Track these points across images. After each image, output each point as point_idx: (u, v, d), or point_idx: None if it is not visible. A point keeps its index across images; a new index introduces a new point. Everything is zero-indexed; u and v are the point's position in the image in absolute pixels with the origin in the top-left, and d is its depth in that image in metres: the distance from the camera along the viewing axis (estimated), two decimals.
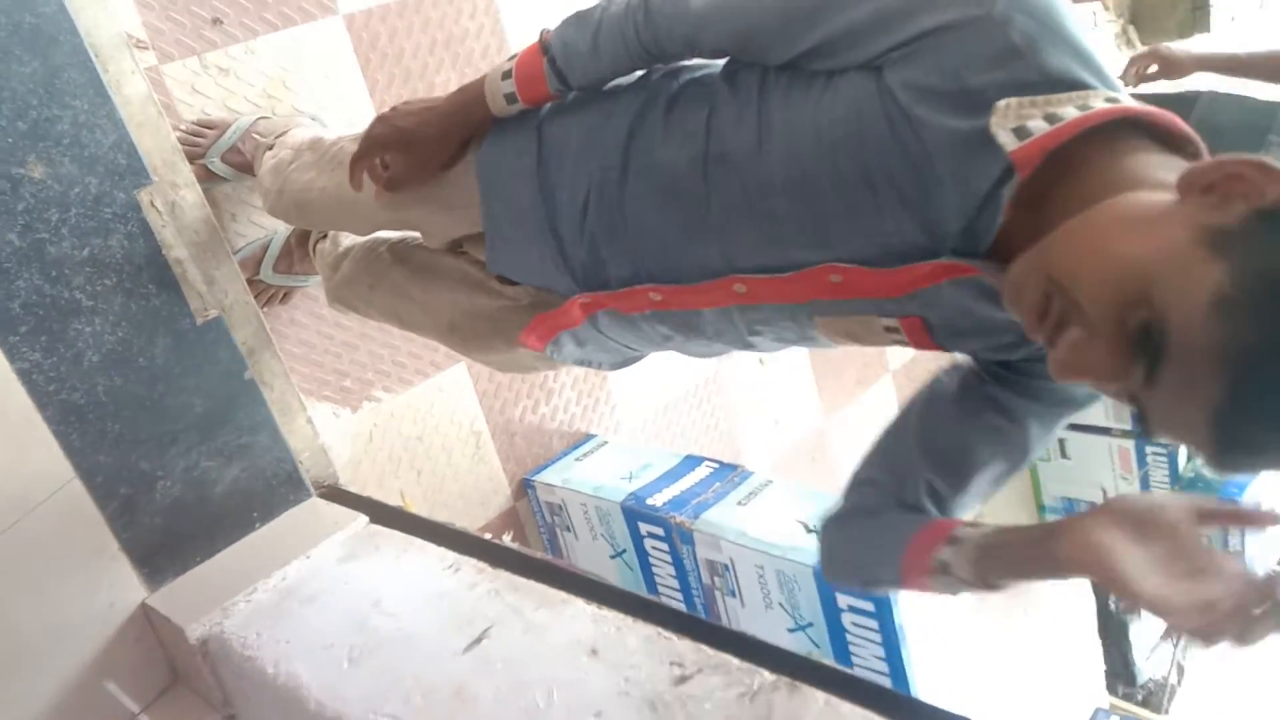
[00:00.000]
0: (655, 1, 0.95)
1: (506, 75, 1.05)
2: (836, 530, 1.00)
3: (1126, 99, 0.76)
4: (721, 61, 0.98)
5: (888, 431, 0.99)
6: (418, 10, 2.00)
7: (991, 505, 2.05)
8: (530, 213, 1.07)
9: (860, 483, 0.99)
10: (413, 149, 1.13)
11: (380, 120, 1.14)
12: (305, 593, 1.32)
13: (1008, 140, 0.75)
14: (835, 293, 0.89)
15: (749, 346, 1.05)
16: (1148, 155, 0.74)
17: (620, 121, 1.00)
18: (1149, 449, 3.28)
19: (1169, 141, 0.75)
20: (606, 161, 0.99)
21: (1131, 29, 4.39)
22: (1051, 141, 0.74)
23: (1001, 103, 0.76)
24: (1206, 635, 0.65)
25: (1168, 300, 0.62)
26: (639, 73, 1.03)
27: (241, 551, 1.46)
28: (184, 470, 1.40)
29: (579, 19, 1.01)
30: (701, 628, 1.04)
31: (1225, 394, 0.61)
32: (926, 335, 0.90)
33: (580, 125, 1.03)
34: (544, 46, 1.02)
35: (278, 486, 1.54)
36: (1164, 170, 0.72)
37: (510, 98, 1.06)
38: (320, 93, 1.84)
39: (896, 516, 0.93)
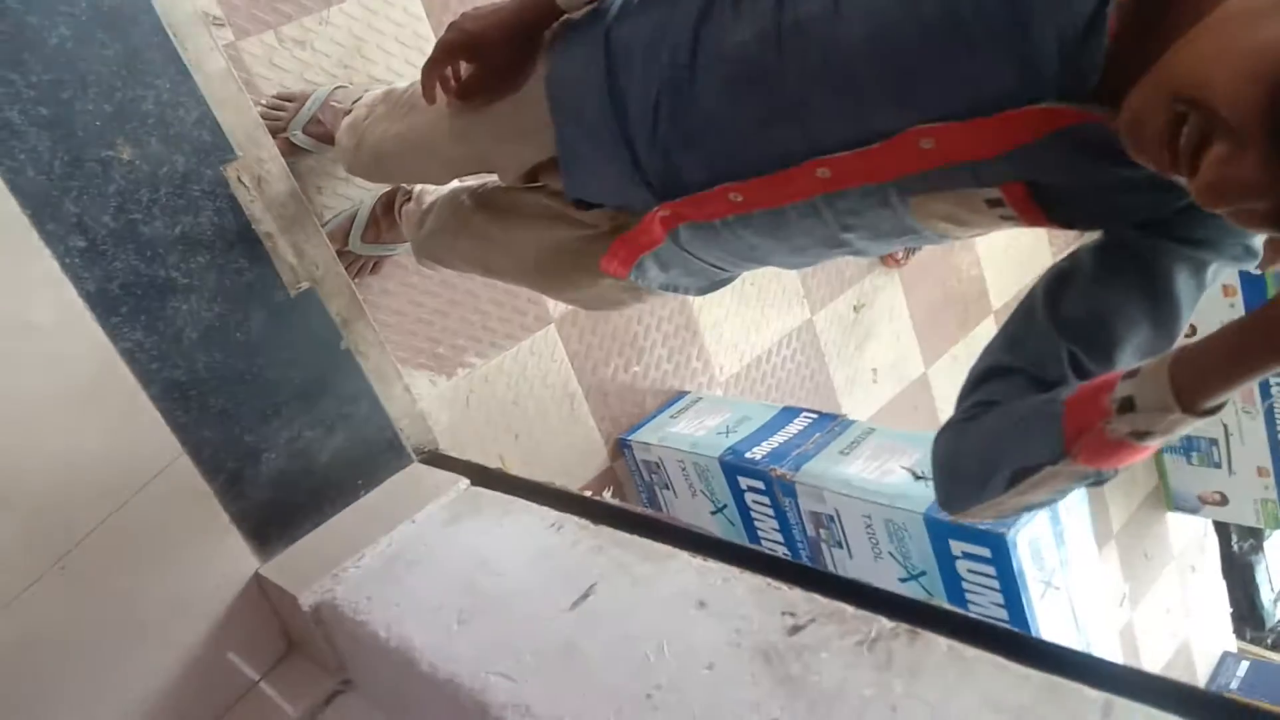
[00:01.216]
0: None
1: None
2: (955, 434, 0.88)
3: None
4: None
5: (1010, 318, 0.89)
6: None
7: None
8: (602, 125, 1.03)
9: (983, 374, 0.88)
10: (482, 51, 1.11)
11: (450, 26, 1.12)
12: (411, 556, 1.33)
13: None
14: (927, 161, 0.82)
15: (843, 244, 0.99)
16: None
17: (686, 12, 0.95)
18: (1273, 381, 3.12)
19: None
20: (676, 57, 0.95)
21: None
22: None
23: None
24: None
25: None
26: None
27: (348, 519, 1.47)
28: (287, 441, 1.42)
29: None
30: (813, 576, 1.01)
31: None
32: (1035, 204, 0.82)
33: (648, 25, 0.99)
34: None
35: (379, 454, 1.55)
36: None
37: None
38: (395, 60, 1.84)
39: (1039, 396, 0.82)
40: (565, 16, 1.10)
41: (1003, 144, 0.78)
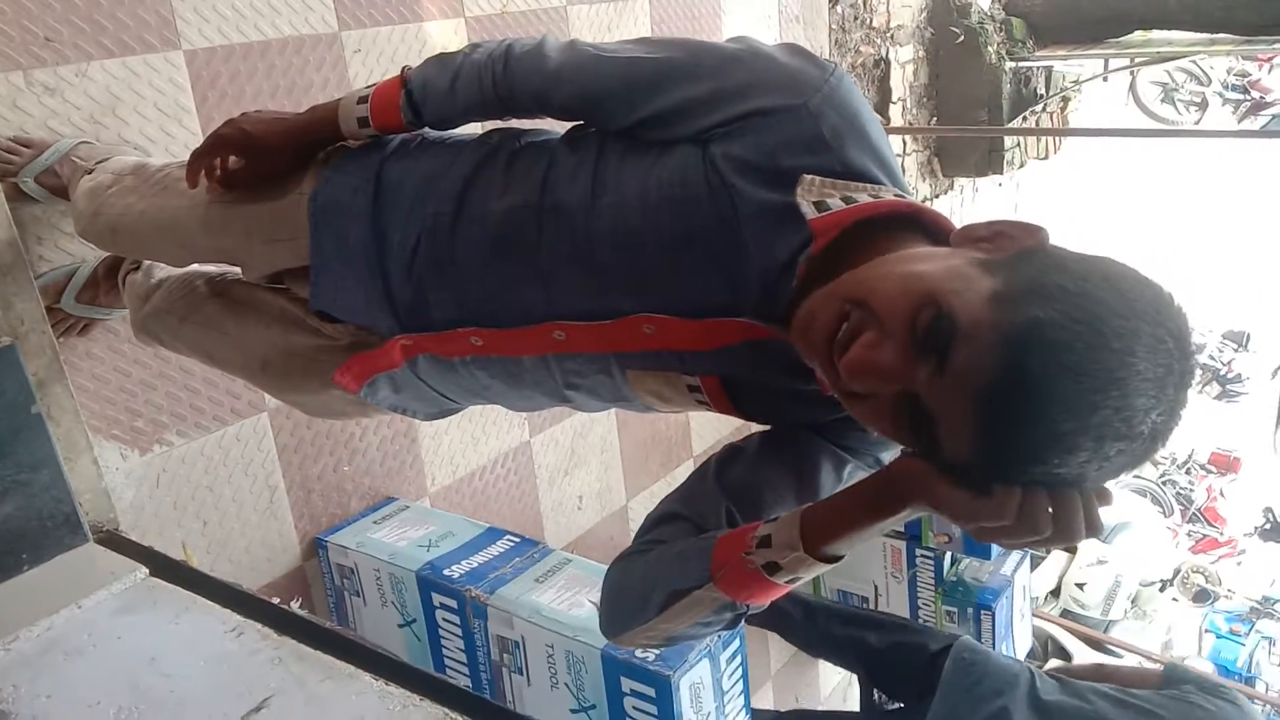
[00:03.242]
0: (515, 55, 1.02)
1: (363, 100, 1.09)
2: (625, 565, 0.99)
3: (909, 197, 0.88)
4: (563, 129, 1.05)
5: (688, 479, 1.03)
6: (263, 55, 1.98)
7: None
8: (360, 250, 1.09)
9: (658, 519, 1.00)
10: (256, 155, 1.15)
11: (229, 123, 1.15)
12: (72, 645, 1.24)
13: (809, 210, 0.86)
14: (647, 343, 0.95)
15: (566, 400, 1.09)
16: (922, 242, 0.85)
17: (460, 171, 1.04)
18: (918, 551, 3.53)
19: (938, 237, 0.86)
20: (441, 207, 1.03)
21: (936, 161, 4.81)
22: (846, 218, 0.85)
23: (807, 178, 0.87)
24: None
25: (954, 301, 0.72)
26: (483, 130, 1.09)
27: (4, 595, 1.35)
28: None
29: (441, 61, 1.07)
30: (490, 711, 1.06)
31: (1002, 365, 0.69)
32: (726, 397, 0.98)
33: (420, 171, 1.07)
34: (404, 80, 1.07)
35: (53, 529, 1.45)
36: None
37: (363, 121, 1.09)
38: (150, 126, 1.79)
39: (701, 536, 0.94)
40: (342, 143, 1.15)
41: (709, 343, 0.93)
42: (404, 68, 1.09)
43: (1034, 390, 0.68)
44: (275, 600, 1.42)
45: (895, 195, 0.88)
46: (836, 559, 0.83)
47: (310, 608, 2.25)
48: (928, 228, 0.87)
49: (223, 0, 1.88)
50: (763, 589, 0.86)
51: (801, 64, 0.91)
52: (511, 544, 2.15)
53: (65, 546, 1.47)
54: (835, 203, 0.86)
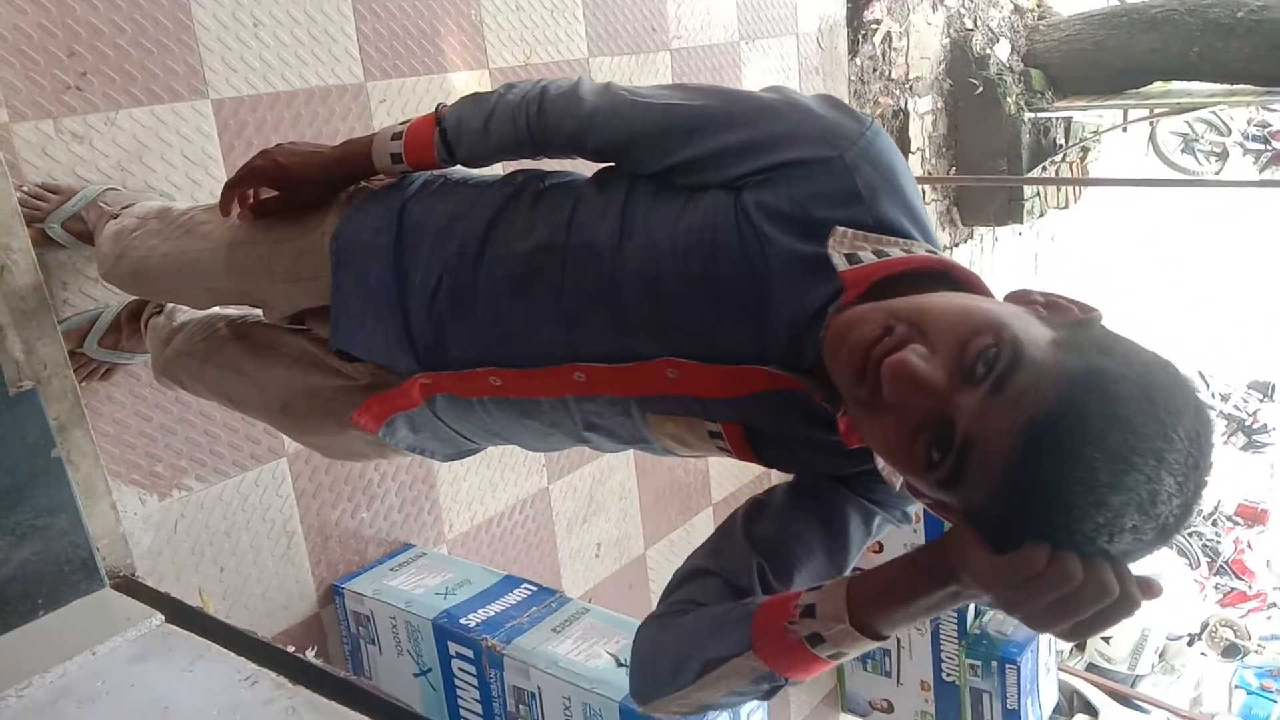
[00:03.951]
0: (550, 97, 1.02)
1: (396, 136, 1.10)
2: (658, 628, 0.95)
3: (942, 253, 0.87)
4: (590, 170, 1.05)
5: (714, 533, 1.00)
6: (289, 105, 2.01)
7: None
8: (381, 289, 1.09)
9: (686, 575, 0.97)
10: (288, 187, 1.16)
11: (264, 153, 1.17)
12: (85, 692, 1.23)
13: (840, 262, 0.85)
14: (669, 388, 0.94)
15: (584, 441, 1.08)
16: None
17: (483, 211, 1.04)
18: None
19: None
20: (464, 247, 1.03)
21: (955, 210, 4.82)
22: (878, 271, 0.84)
23: (839, 229, 0.86)
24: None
25: (1018, 334, 0.71)
26: (508, 171, 1.09)
27: (19, 641, 1.35)
28: None
29: (476, 99, 1.07)
30: None
31: (1058, 399, 0.67)
32: (747, 444, 0.96)
33: (443, 211, 1.07)
34: (439, 118, 1.08)
35: (70, 573, 1.44)
36: None
37: (396, 157, 1.10)
38: (176, 174, 1.82)
39: (733, 601, 0.90)
40: (364, 183, 1.16)
41: (732, 390, 0.92)
42: (439, 105, 1.09)
43: (1084, 430, 0.66)
44: (290, 648, 1.41)
45: (928, 251, 0.87)
46: (882, 636, 0.80)
47: (325, 656, 2.23)
48: (959, 285, 0.85)
49: (251, 51, 1.92)
50: (805, 662, 0.83)
51: (838, 116, 0.91)
52: (529, 592, 2.12)
53: (81, 591, 1.47)
54: (867, 256, 0.85)
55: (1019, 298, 0.80)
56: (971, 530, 0.74)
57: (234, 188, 1.19)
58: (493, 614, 2.03)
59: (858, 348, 0.76)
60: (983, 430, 0.70)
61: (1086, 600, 0.69)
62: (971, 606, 3.43)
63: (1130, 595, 0.69)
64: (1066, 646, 5.94)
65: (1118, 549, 0.69)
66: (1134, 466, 0.66)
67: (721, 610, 0.90)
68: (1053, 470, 0.67)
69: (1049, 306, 0.79)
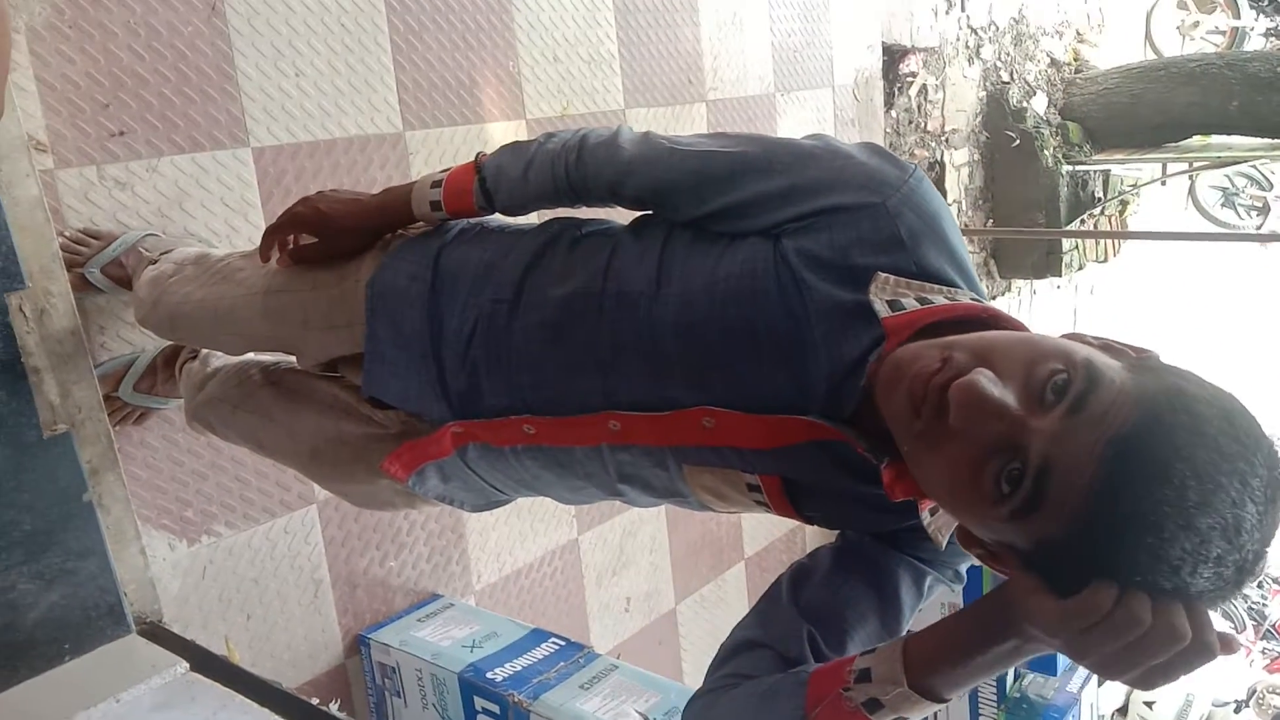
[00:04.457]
0: (589, 145, 1.02)
1: (436, 184, 1.10)
2: (706, 704, 0.90)
3: (986, 302, 0.84)
4: (626, 219, 1.04)
5: (759, 601, 0.96)
6: (329, 153, 2.03)
7: None
8: (414, 337, 1.08)
9: (734, 649, 0.93)
10: (328, 234, 1.16)
11: (305, 201, 1.17)
12: None
13: (882, 309, 0.83)
14: (706, 438, 0.91)
15: (618, 494, 1.05)
16: None
17: (519, 258, 1.04)
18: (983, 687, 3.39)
19: None
20: (499, 294, 1.02)
21: (993, 262, 4.79)
22: (921, 318, 0.81)
23: (881, 275, 0.84)
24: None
25: (1088, 360, 0.69)
26: (545, 219, 1.08)
27: (44, 686, 1.34)
28: None
29: (515, 148, 1.08)
30: None
31: (1142, 416, 0.65)
32: (786, 498, 0.92)
33: (479, 258, 1.07)
34: (478, 166, 1.08)
35: (96, 619, 1.43)
36: None
37: (435, 205, 1.10)
38: (216, 220, 1.83)
39: (785, 671, 0.86)
40: (401, 230, 1.16)
41: (770, 440, 0.89)
42: (478, 154, 1.10)
43: (1173, 446, 0.64)
44: (314, 700, 1.39)
45: (972, 299, 0.85)
46: (944, 699, 0.76)
47: (350, 708, 2.20)
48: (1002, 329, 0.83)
49: (292, 100, 1.94)
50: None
51: (880, 163, 0.89)
52: (557, 647, 2.08)
53: (108, 637, 1.45)
54: (910, 302, 0.83)
55: (1073, 339, 0.78)
56: (1031, 578, 0.71)
57: (274, 233, 1.19)
58: (520, 668, 1.99)
59: (919, 378, 0.73)
60: (1062, 452, 0.67)
61: (1157, 644, 0.65)
62: (1011, 670, 3.34)
63: (1207, 643, 0.65)
64: (1109, 712, 5.77)
65: (1198, 585, 0.65)
66: (1221, 487, 0.63)
67: (772, 681, 0.86)
68: (1141, 489, 0.64)
69: (1105, 349, 0.76)
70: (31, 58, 1.56)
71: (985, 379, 0.69)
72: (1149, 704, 6.01)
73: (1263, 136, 4.39)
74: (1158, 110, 4.57)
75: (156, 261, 1.51)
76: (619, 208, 1.06)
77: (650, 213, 1.04)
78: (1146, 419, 0.65)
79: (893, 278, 0.84)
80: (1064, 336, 0.79)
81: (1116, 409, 0.66)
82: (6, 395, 1.30)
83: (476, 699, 1.96)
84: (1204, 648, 0.65)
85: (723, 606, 3.30)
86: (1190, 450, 0.63)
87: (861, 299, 0.84)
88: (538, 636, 2.13)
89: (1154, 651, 0.65)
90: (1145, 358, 0.74)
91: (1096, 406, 0.67)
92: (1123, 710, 6.05)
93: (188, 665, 1.39)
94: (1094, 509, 0.65)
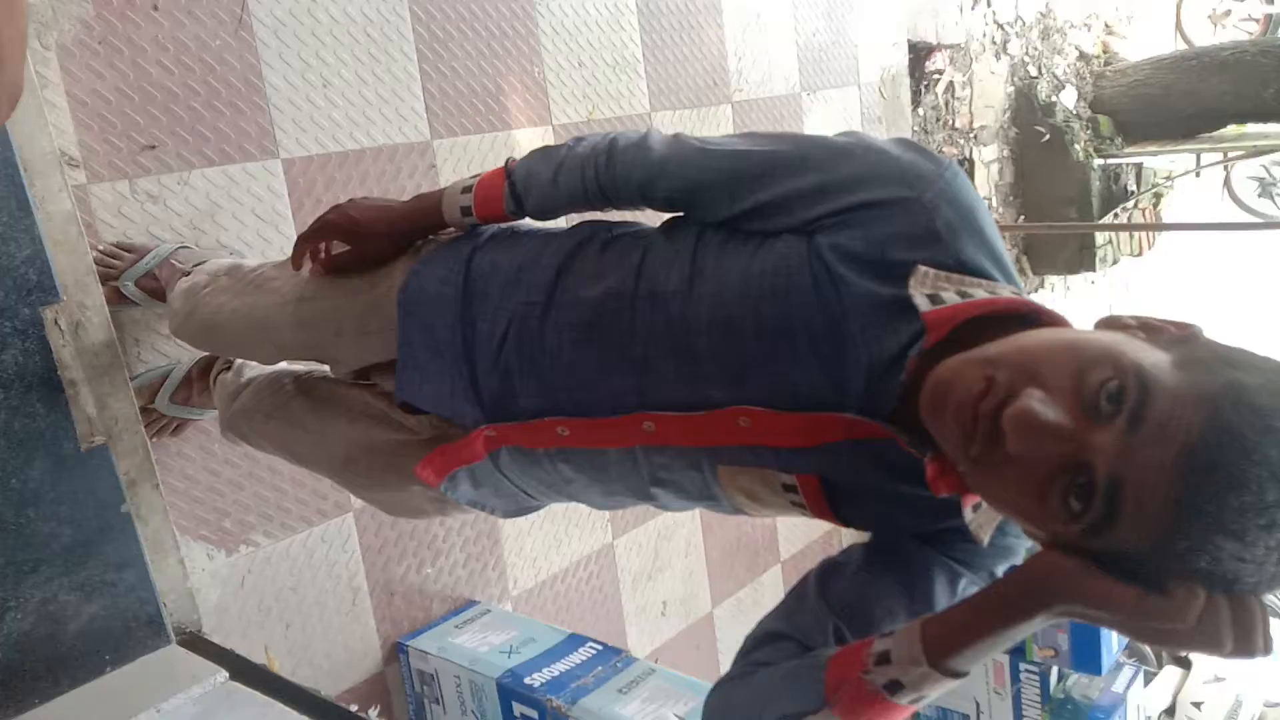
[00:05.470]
0: (619, 148, 1.02)
1: (467, 190, 1.10)
2: (729, 690, 0.90)
3: (1026, 295, 0.83)
4: (657, 221, 1.03)
5: (787, 595, 0.95)
6: (357, 163, 2.04)
7: None
8: (447, 341, 1.08)
9: (759, 639, 0.92)
10: (360, 241, 1.17)
11: (336, 209, 1.18)
12: None
13: (922, 303, 0.81)
14: (741, 437, 0.90)
15: (651, 498, 1.04)
16: None
17: (551, 260, 1.03)
18: (1022, 666, 3.33)
19: None
20: (531, 297, 1.02)
21: (1025, 259, 4.73)
22: (963, 313, 0.80)
23: (921, 269, 0.83)
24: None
25: (1138, 362, 0.67)
26: (575, 222, 1.08)
27: (86, 697, 1.35)
28: (40, 603, 1.31)
29: (545, 153, 1.07)
30: None
31: (1207, 422, 0.63)
32: (823, 498, 0.91)
33: (510, 261, 1.07)
34: (508, 171, 1.08)
35: (136, 629, 1.45)
36: None
37: (466, 210, 1.10)
38: (248, 232, 1.85)
39: (808, 654, 0.86)
40: (432, 236, 1.16)
41: (807, 439, 0.88)
42: (508, 159, 1.10)
43: (1244, 450, 0.62)
44: (354, 708, 1.39)
45: (1012, 293, 0.83)
46: (962, 674, 0.75)
47: (390, 715, 2.20)
48: (1040, 324, 0.81)
49: (320, 111, 1.96)
50: (884, 711, 0.78)
51: (915, 157, 0.88)
52: (594, 651, 2.08)
53: (148, 648, 1.47)
54: (950, 296, 0.82)
55: (1111, 324, 0.76)
56: (1070, 558, 0.70)
57: (307, 241, 1.20)
58: (558, 673, 1.98)
59: (965, 405, 0.72)
60: (1132, 468, 0.66)
61: (1227, 640, 0.66)
62: (1054, 671, 3.29)
63: (1268, 640, 0.67)
64: (1155, 712, 5.67)
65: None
66: None
67: (792, 666, 0.86)
68: (1221, 498, 0.63)
69: (1145, 329, 0.74)
70: (62, 74, 1.58)
71: (1037, 403, 0.68)
72: (1197, 704, 5.90)
73: None
74: (1190, 100, 4.49)
75: (190, 273, 1.52)
76: (649, 210, 1.05)
77: (681, 214, 1.03)
78: (1212, 426, 0.63)
79: (933, 271, 0.83)
80: (1100, 320, 0.77)
81: (1179, 419, 0.65)
82: (44, 408, 1.32)
83: (515, 704, 1.95)
84: (1267, 645, 0.67)
85: (759, 610, 3.27)
86: (1262, 451, 0.62)
87: (900, 293, 0.83)
88: (575, 641, 2.12)
89: (1222, 646, 0.66)
90: (1188, 335, 0.73)
91: (1156, 419, 0.65)
92: (1169, 710, 5.94)
93: (227, 674, 1.40)
94: (1174, 522, 0.64)
